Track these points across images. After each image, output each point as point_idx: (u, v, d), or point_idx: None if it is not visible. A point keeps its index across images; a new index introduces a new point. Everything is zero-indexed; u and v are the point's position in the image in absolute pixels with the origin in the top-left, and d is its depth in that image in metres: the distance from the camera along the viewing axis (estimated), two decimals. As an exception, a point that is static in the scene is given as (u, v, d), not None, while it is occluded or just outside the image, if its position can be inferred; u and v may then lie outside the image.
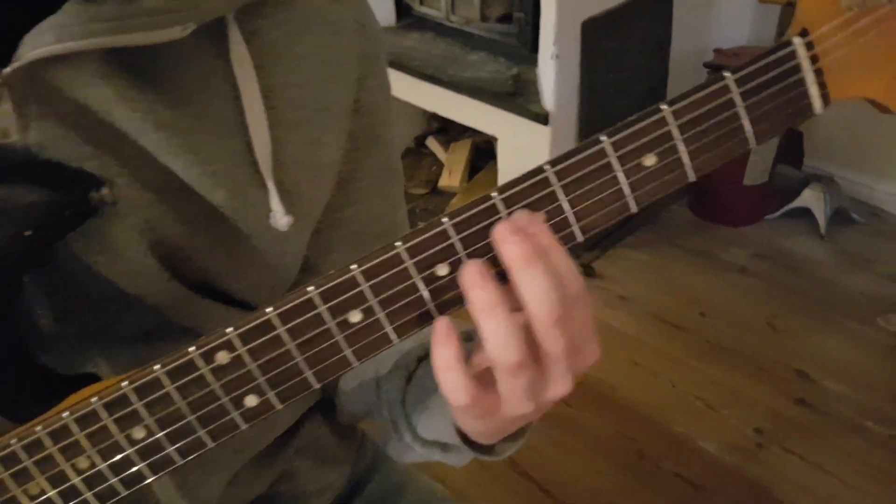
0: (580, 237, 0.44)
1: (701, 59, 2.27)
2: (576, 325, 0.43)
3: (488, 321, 0.41)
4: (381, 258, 0.43)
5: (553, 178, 0.42)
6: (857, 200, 2.47)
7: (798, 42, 0.41)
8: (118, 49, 0.46)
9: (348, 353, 0.44)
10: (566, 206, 0.43)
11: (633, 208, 0.43)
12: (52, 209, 0.46)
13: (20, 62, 0.44)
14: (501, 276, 0.42)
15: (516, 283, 0.41)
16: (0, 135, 0.46)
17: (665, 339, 2.06)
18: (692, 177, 0.42)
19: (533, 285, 0.41)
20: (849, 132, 2.39)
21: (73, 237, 0.50)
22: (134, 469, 0.47)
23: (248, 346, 0.44)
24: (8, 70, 0.44)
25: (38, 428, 0.45)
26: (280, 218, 0.55)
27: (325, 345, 0.44)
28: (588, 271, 2.27)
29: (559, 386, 0.44)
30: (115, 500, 0.48)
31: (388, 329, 0.44)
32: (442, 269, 0.43)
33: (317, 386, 0.45)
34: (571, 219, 0.43)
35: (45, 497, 0.47)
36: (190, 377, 0.44)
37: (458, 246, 0.43)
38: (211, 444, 0.46)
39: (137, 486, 0.47)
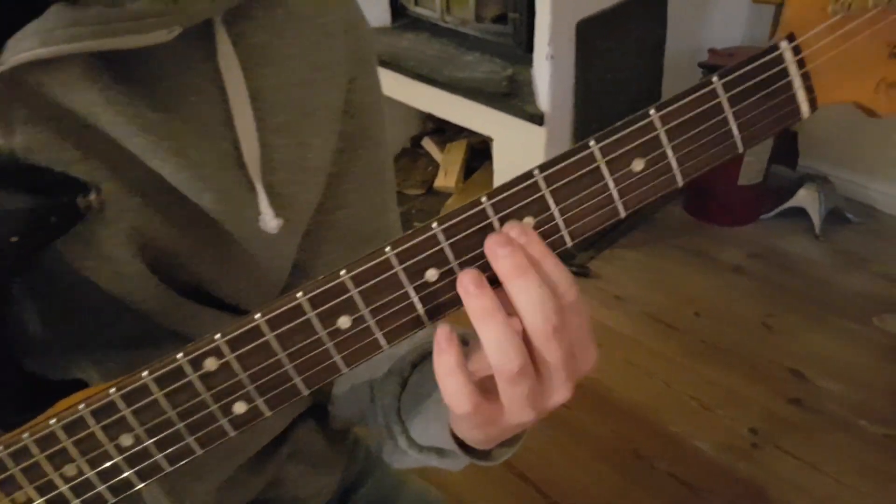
0: (569, 242, 0.44)
1: (695, 60, 2.27)
2: (573, 333, 0.43)
3: (488, 329, 0.42)
4: (371, 263, 0.43)
5: (542, 183, 0.42)
6: (851, 200, 2.48)
7: (785, 46, 0.41)
8: (104, 52, 0.46)
9: (338, 359, 0.44)
10: (555, 211, 0.43)
11: (622, 213, 0.43)
12: (38, 215, 0.46)
13: (4, 66, 0.43)
14: (496, 279, 0.42)
15: (510, 294, 0.42)
16: None
17: (660, 339, 2.06)
18: (680, 182, 0.42)
19: (527, 296, 0.41)
20: (843, 132, 2.40)
21: (61, 242, 0.49)
22: (122, 476, 0.47)
23: (237, 353, 0.43)
24: None
25: (25, 435, 0.45)
26: (269, 221, 0.55)
27: (314, 351, 0.44)
28: (583, 271, 2.27)
29: (559, 393, 0.44)
30: (103, 507, 0.47)
31: (378, 335, 0.44)
32: (432, 275, 0.43)
33: (306, 393, 0.45)
34: (560, 224, 0.43)
35: (32, 505, 0.47)
36: (178, 384, 0.44)
37: (448, 251, 0.43)
38: (199, 452, 0.46)
39: (126, 494, 0.47)
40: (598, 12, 1.99)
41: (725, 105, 0.41)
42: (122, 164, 0.50)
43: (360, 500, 0.81)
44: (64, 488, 0.47)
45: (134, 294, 0.54)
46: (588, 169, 0.42)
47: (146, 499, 0.58)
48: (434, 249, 0.43)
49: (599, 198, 0.42)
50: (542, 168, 0.42)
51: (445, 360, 0.43)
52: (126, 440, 0.45)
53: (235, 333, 0.43)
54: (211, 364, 0.43)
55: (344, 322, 0.43)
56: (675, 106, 0.41)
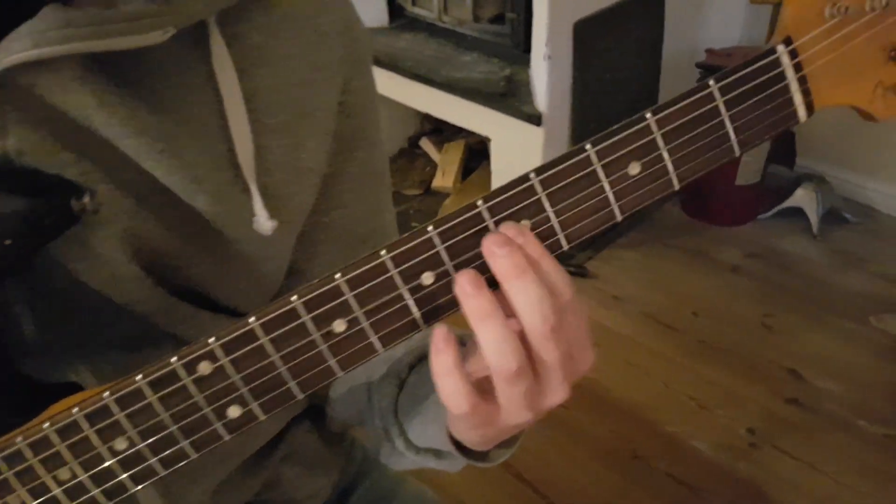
0: (565, 245, 0.43)
1: (693, 60, 2.27)
2: (570, 333, 0.43)
3: (485, 330, 0.41)
4: (366, 266, 0.42)
5: (538, 187, 0.42)
6: (849, 200, 2.48)
7: (782, 50, 0.41)
8: (97, 54, 0.46)
9: (333, 363, 0.44)
10: (551, 214, 0.42)
11: (619, 216, 0.43)
12: (31, 218, 0.45)
13: None
14: (493, 281, 0.42)
15: (508, 294, 0.41)
16: None
17: (658, 339, 2.06)
18: (676, 185, 0.42)
19: (524, 296, 0.41)
20: (841, 132, 2.40)
21: (55, 245, 0.49)
22: (116, 480, 0.46)
23: (231, 357, 0.43)
24: None
25: (19, 439, 0.45)
26: (264, 222, 0.54)
27: (308, 355, 0.44)
28: (582, 271, 2.27)
29: (557, 394, 0.44)
30: (97, 511, 0.47)
31: (374, 338, 0.44)
32: (428, 278, 0.43)
33: (300, 396, 0.45)
34: (557, 227, 0.43)
35: (26, 509, 0.46)
36: (172, 388, 0.44)
37: (444, 254, 0.43)
38: (194, 455, 0.46)
39: (120, 498, 0.47)
40: (596, 12, 1.98)
41: (722, 109, 0.41)
42: (116, 167, 0.50)
43: (356, 502, 0.81)
44: (58, 492, 0.46)
45: (129, 296, 0.53)
46: (584, 172, 0.42)
47: (141, 501, 0.58)
48: (430, 253, 0.42)
49: (595, 201, 0.42)
50: (538, 171, 0.42)
51: (443, 360, 0.43)
52: (120, 444, 0.45)
53: (229, 337, 0.43)
54: (205, 368, 0.43)
55: (339, 325, 0.43)
56: (672, 109, 0.41)
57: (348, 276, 0.42)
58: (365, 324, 0.43)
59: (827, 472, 1.69)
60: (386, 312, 0.43)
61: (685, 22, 2.39)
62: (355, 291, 0.42)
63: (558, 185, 0.42)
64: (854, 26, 0.41)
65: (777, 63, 0.41)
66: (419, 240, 0.42)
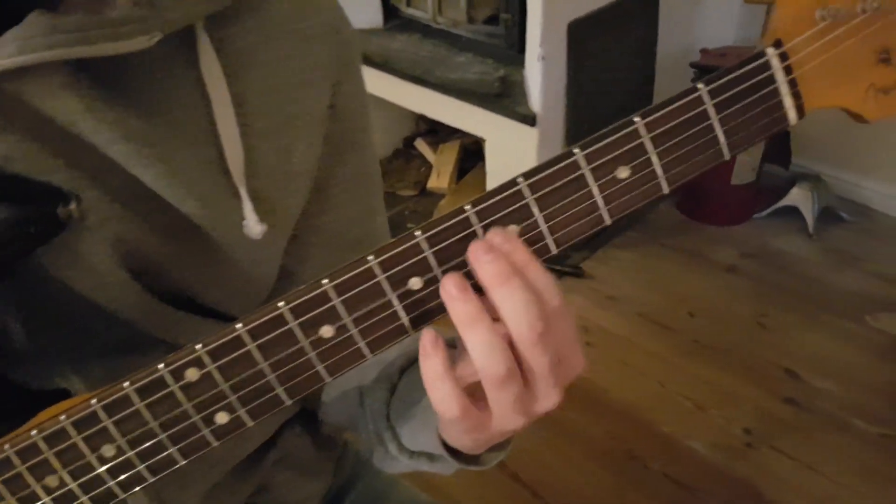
0: (554, 250, 0.43)
1: (687, 60, 2.26)
2: (559, 339, 0.43)
3: (473, 334, 0.41)
4: (353, 272, 0.42)
5: (527, 191, 0.42)
6: (844, 199, 2.48)
7: (771, 53, 0.40)
8: (84, 60, 0.45)
9: (321, 368, 0.44)
10: (540, 218, 0.42)
11: (607, 220, 0.43)
12: (17, 225, 0.45)
13: None
14: (481, 287, 0.42)
15: (494, 302, 0.41)
16: None
17: (654, 339, 2.05)
18: (666, 189, 0.42)
19: (511, 303, 0.41)
20: (836, 130, 2.40)
21: (43, 252, 0.49)
22: (104, 487, 0.46)
23: (218, 363, 0.43)
24: None
25: (7, 446, 0.45)
26: (254, 226, 0.54)
27: (296, 361, 0.43)
28: (577, 272, 2.27)
29: (548, 399, 0.44)
30: (86, 518, 0.47)
31: (362, 344, 0.44)
32: (415, 283, 0.43)
33: (289, 402, 0.44)
34: (545, 231, 0.43)
35: (14, 517, 0.46)
36: (159, 394, 0.44)
37: (432, 259, 0.42)
38: (182, 462, 0.46)
39: (109, 505, 0.47)
40: (590, 13, 1.98)
41: (711, 112, 0.41)
42: (103, 173, 0.49)
43: (348, 506, 0.81)
44: (46, 500, 0.46)
45: (117, 303, 0.53)
46: (573, 176, 0.41)
47: (131, 508, 0.58)
48: (418, 258, 0.42)
49: (584, 205, 0.42)
50: (526, 176, 0.41)
51: (432, 366, 0.43)
52: (108, 451, 0.45)
53: (216, 343, 0.43)
54: (192, 374, 0.43)
55: (327, 331, 0.43)
56: (661, 113, 0.41)
57: (335, 282, 0.42)
58: (353, 329, 0.43)
59: (824, 472, 1.69)
60: (374, 318, 0.43)
61: (680, 22, 2.39)
62: (343, 297, 0.42)
63: (547, 190, 0.42)
64: (845, 28, 0.40)
65: (767, 66, 0.41)
66: (406, 245, 0.42)
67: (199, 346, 0.43)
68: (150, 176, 0.50)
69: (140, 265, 0.53)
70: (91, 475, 0.46)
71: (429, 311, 0.43)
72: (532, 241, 0.42)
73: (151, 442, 0.45)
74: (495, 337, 0.41)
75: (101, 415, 0.44)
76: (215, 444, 0.45)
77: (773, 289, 2.20)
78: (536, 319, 0.41)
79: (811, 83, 0.41)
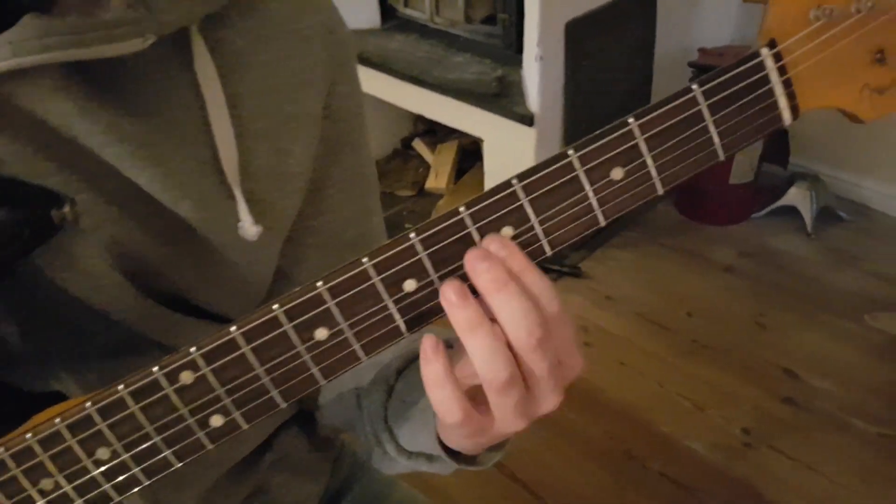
0: (549, 251, 0.43)
1: (685, 59, 2.27)
2: (557, 343, 0.43)
3: (474, 340, 0.41)
4: (348, 274, 0.42)
5: (521, 193, 0.42)
6: (843, 198, 2.48)
7: (766, 53, 0.40)
8: (78, 62, 0.45)
9: (315, 371, 0.44)
10: (534, 220, 0.42)
11: (602, 222, 0.42)
12: (11, 228, 0.45)
13: None
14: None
15: (493, 309, 0.41)
16: None
17: (652, 339, 2.05)
18: (660, 190, 0.42)
19: (508, 310, 0.41)
20: (834, 130, 2.40)
21: (37, 254, 0.49)
22: (99, 490, 0.46)
23: (212, 366, 0.43)
24: None
25: (1, 450, 0.45)
26: (249, 228, 0.54)
27: (291, 364, 0.43)
28: (575, 271, 2.27)
29: (549, 401, 0.44)
30: (81, 521, 0.47)
31: (356, 346, 0.44)
32: (410, 285, 0.43)
33: (283, 405, 0.44)
34: (540, 233, 0.42)
35: (8, 520, 0.46)
36: (154, 397, 0.43)
37: (426, 261, 0.42)
38: (177, 465, 0.46)
39: (103, 508, 0.47)
40: (588, 13, 1.98)
41: (706, 113, 0.41)
42: (98, 175, 0.49)
43: (345, 507, 0.80)
44: (41, 503, 0.46)
45: (112, 305, 0.53)
46: (567, 178, 0.41)
47: (126, 510, 0.58)
48: (412, 260, 0.42)
49: (579, 207, 0.42)
50: (520, 177, 0.41)
51: (433, 370, 0.42)
52: (103, 454, 0.45)
53: (211, 346, 0.42)
54: (187, 377, 0.43)
55: (321, 334, 0.43)
56: (655, 114, 0.40)
57: (330, 284, 0.42)
58: (348, 332, 0.43)
59: (822, 472, 1.69)
60: (369, 320, 0.43)
61: (678, 21, 2.39)
62: (337, 299, 0.42)
63: (541, 191, 0.41)
64: (839, 29, 0.40)
65: (761, 67, 0.41)
66: (401, 247, 0.42)
67: (193, 349, 0.42)
68: (144, 178, 0.50)
69: (135, 267, 0.53)
70: (86, 478, 0.45)
71: (424, 312, 0.43)
72: (527, 242, 0.42)
73: (146, 445, 0.45)
74: (497, 342, 0.41)
75: (96, 418, 0.44)
76: (210, 446, 0.45)
77: (772, 288, 2.20)
78: (535, 326, 0.41)
79: (806, 83, 0.41)
